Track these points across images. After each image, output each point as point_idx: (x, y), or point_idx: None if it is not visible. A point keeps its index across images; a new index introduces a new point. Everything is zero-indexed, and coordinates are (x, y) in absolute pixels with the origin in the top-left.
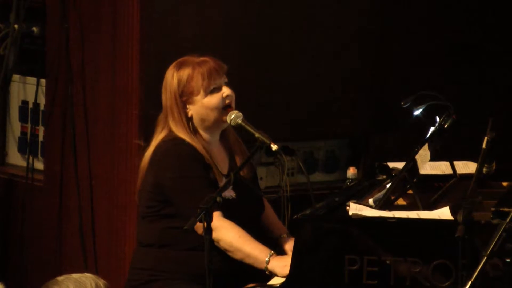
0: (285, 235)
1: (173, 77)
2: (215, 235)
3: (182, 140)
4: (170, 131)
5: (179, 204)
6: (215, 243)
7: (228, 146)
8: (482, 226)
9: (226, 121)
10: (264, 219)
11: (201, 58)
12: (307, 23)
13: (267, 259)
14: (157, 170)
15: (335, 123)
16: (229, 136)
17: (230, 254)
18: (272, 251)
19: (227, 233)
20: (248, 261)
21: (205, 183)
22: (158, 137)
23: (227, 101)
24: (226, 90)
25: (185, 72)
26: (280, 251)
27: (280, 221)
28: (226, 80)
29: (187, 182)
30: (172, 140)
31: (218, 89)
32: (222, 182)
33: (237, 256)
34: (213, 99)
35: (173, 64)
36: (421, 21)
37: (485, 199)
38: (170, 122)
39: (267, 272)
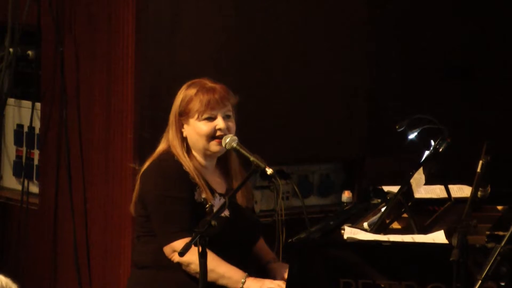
0: (272, 261)
1: (179, 95)
2: (185, 258)
3: (172, 156)
4: (169, 146)
5: (154, 221)
6: (184, 267)
7: (227, 170)
8: (477, 249)
9: (214, 150)
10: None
11: (212, 84)
12: (302, 47)
13: (243, 280)
14: (142, 184)
15: (330, 146)
16: (229, 160)
17: None
18: (246, 273)
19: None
20: (221, 281)
21: (186, 205)
22: (158, 150)
23: (218, 133)
24: (220, 123)
25: (189, 93)
26: (272, 277)
27: (267, 246)
28: (229, 113)
29: (168, 202)
30: (162, 155)
31: (212, 118)
32: (215, 200)
33: (210, 277)
34: (204, 127)
35: (188, 82)
36: (416, 44)
37: (480, 223)
38: (169, 136)
39: None
